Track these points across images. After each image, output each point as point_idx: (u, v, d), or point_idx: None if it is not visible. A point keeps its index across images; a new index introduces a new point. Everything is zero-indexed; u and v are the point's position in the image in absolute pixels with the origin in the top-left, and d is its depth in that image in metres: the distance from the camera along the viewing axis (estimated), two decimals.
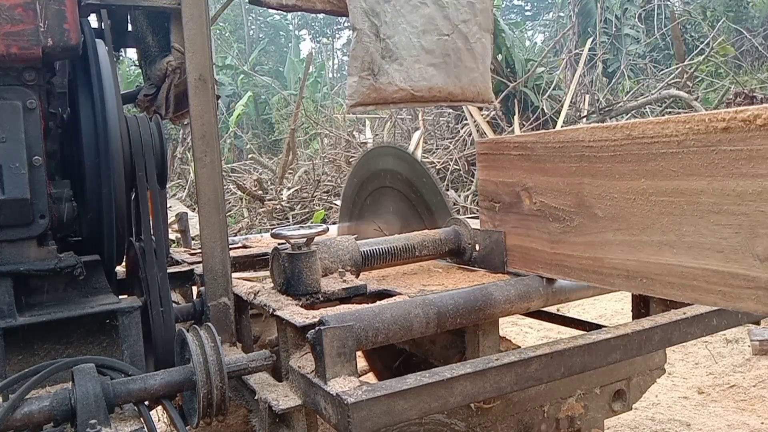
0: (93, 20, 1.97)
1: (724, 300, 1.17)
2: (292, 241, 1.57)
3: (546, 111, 10.42)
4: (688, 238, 1.20)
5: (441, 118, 10.79)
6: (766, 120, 1.04)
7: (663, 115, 10.03)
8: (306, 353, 1.41)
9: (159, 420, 2.56)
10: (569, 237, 1.47)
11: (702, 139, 1.15)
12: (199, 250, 1.87)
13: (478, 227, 1.80)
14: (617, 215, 1.34)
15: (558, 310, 2.54)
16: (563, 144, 1.46)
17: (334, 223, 2.86)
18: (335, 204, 8.12)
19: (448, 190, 8.14)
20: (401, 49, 2.13)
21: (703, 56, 11.18)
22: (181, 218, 3.13)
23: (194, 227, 2.44)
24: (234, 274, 1.81)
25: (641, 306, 1.84)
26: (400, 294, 1.57)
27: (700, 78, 12.26)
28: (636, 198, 1.29)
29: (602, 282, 1.43)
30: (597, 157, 1.37)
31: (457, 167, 8.76)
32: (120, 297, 1.74)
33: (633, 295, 1.85)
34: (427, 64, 2.19)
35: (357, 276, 1.73)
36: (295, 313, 1.46)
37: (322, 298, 1.57)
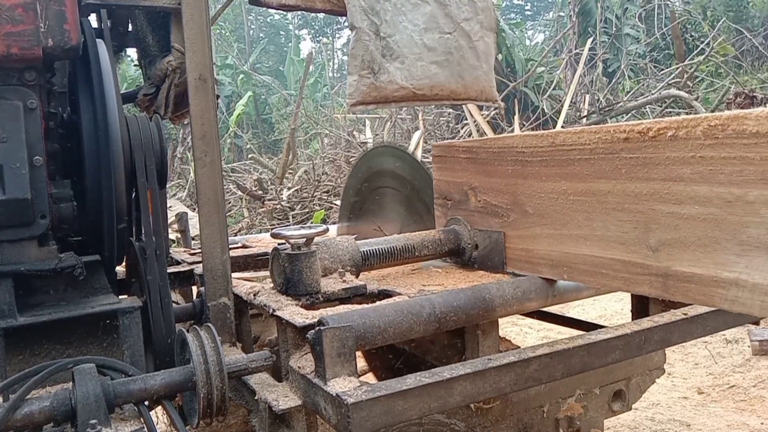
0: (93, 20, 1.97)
1: (626, 285, 1.34)
2: (292, 241, 1.57)
3: (546, 111, 10.43)
4: (598, 232, 1.38)
5: (441, 118, 10.79)
6: (656, 132, 1.22)
7: (663, 115, 10.04)
8: (306, 353, 1.41)
9: (158, 421, 2.56)
10: (506, 231, 1.67)
11: (608, 148, 1.33)
12: (199, 250, 1.87)
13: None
14: (544, 212, 1.53)
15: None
16: (501, 149, 1.65)
17: (334, 223, 2.86)
18: (335, 204, 8.12)
19: None
20: (403, 47, 2.12)
21: (703, 56, 11.18)
22: (181, 218, 3.13)
23: (194, 227, 2.44)
24: (234, 274, 1.81)
25: (641, 306, 1.85)
26: (399, 294, 1.57)
27: (700, 78, 12.26)
28: (558, 197, 1.48)
29: (532, 270, 1.62)
30: (528, 162, 1.56)
31: None
32: (120, 297, 1.74)
33: (632, 296, 1.85)
34: (429, 62, 2.18)
35: (357, 276, 1.73)
36: (295, 313, 1.46)
37: (321, 299, 1.57)
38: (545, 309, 1.91)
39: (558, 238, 1.49)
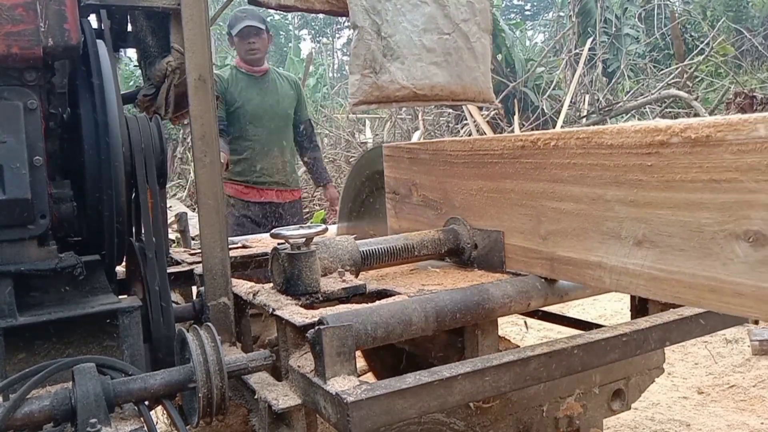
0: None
1: (526, 267, 1.63)
2: (291, 241, 1.57)
3: (546, 111, 10.43)
4: (505, 222, 1.66)
5: (441, 118, 10.79)
6: (543, 142, 1.48)
7: (663, 115, 10.03)
8: (305, 353, 1.42)
9: (158, 421, 2.57)
10: (440, 221, 1.93)
11: (511, 153, 1.59)
12: (199, 250, 1.88)
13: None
14: (467, 206, 1.80)
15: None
16: (435, 152, 1.91)
17: (333, 223, 2.87)
18: None
19: None
20: (402, 48, 2.13)
21: (703, 56, 11.17)
22: (181, 218, 3.13)
23: (194, 227, 2.44)
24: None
25: (640, 306, 1.85)
26: (399, 294, 1.57)
27: (700, 78, 12.25)
28: (476, 194, 1.75)
29: None
30: (455, 163, 1.82)
31: None
32: (120, 297, 1.74)
33: (631, 296, 1.85)
34: (428, 62, 2.19)
35: (356, 276, 1.73)
36: (294, 312, 1.46)
37: (321, 298, 1.57)
38: (545, 308, 1.91)
39: (477, 227, 1.80)
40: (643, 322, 1.52)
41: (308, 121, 4.60)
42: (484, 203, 1.72)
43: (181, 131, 11.50)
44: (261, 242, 2.65)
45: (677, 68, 11.45)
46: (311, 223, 7.96)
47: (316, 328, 1.28)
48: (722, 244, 1.12)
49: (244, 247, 2.55)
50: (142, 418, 1.31)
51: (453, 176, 1.83)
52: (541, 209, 1.52)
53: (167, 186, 3.35)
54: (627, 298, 1.90)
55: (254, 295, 1.67)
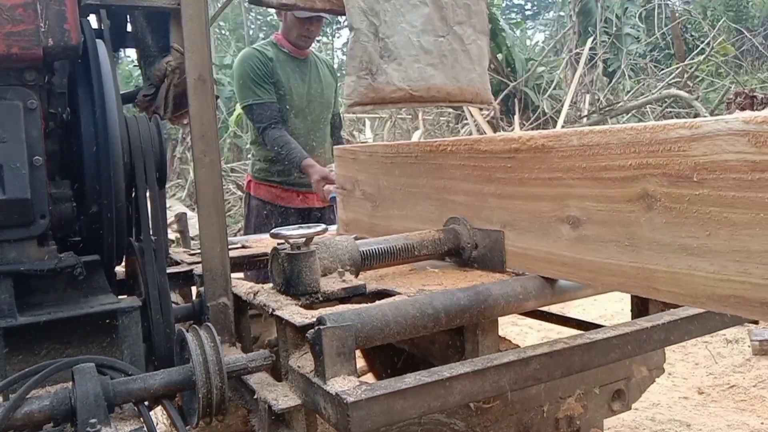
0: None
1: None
2: (291, 241, 1.57)
3: (546, 111, 10.43)
4: (421, 213, 1.96)
5: (441, 118, 10.79)
6: (443, 147, 1.80)
7: (663, 115, 10.02)
8: (305, 353, 1.41)
9: (158, 421, 2.56)
10: (376, 212, 2.22)
11: (423, 156, 1.90)
12: (199, 251, 1.87)
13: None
14: (394, 199, 2.10)
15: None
16: (372, 153, 2.22)
17: (333, 223, 2.87)
18: None
19: None
20: (400, 49, 2.12)
21: (704, 56, 11.16)
22: (181, 218, 3.12)
23: (194, 227, 2.44)
24: (233, 275, 1.81)
25: (640, 306, 1.85)
26: (399, 293, 1.57)
27: (700, 78, 12.24)
28: (401, 189, 2.05)
29: None
30: (385, 163, 2.12)
31: None
32: (120, 297, 1.74)
33: (632, 296, 1.85)
34: (425, 63, 2.18)
35: (356, 276, 1.73)
36: (294, 312, 1.46)
37: (321, 298, 1.57)
38: (545, 309, 1.91)
39: (401, 216, 2.07)
40: (643, 322, 1.52)
41: (339, 114, 4.17)
42: (406, 196, 2.03)
43: (181, 131, 11.50)
44: (261, 242, 2.65)
45: (678, 68, 11.45)
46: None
47: (316, 328, 1.28)
48: (554, 227, 1.45)
49: (244, 247, 2.55)
50: (141, 418, 1.31)
51: (384, 174, 2.13)
52: (443, 201, 1.84)
53: (167, 186, 3.34)
54: (627, 298, 1.90)
55: (254, 295, 1.67)
